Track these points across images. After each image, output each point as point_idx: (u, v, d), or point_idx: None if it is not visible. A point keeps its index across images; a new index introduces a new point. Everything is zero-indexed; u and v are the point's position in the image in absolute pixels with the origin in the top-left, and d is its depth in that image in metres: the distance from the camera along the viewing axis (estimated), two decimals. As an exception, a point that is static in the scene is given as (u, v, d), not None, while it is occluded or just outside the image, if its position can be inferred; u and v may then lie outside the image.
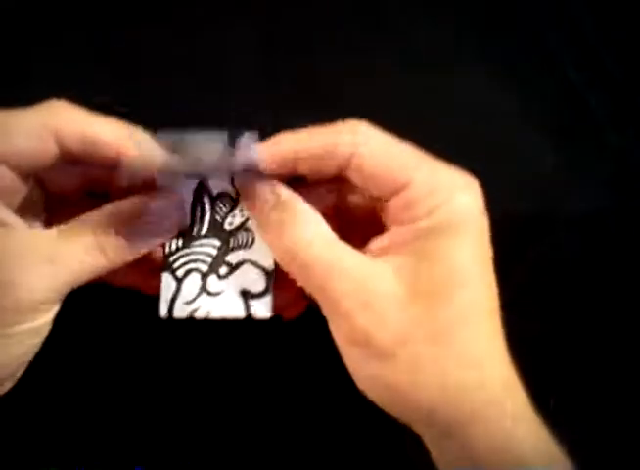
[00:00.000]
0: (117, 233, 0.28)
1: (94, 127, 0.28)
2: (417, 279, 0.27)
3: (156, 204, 0.29)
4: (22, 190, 0.29)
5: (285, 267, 0.29)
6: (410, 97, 0.41)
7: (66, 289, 0.27)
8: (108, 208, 0.28)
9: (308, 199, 0.29)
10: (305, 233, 0.28)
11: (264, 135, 0.29)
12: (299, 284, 0.29)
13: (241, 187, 0.30)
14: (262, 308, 0.30)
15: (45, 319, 0.27)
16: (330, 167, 0.29)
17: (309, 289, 0.28)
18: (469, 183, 0.29)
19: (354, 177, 0.29)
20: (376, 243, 0.29)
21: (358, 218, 0.32)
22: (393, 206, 0.28)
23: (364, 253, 0.29)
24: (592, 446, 0.35)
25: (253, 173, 0.29)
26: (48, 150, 0.27)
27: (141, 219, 0.28)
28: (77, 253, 0.27)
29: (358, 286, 0.27)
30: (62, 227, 0.28)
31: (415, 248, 0.27)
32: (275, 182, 0.29)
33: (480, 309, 0.27)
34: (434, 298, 0.27)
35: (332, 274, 0.27)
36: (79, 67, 0.40)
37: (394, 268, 0.27)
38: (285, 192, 0.29)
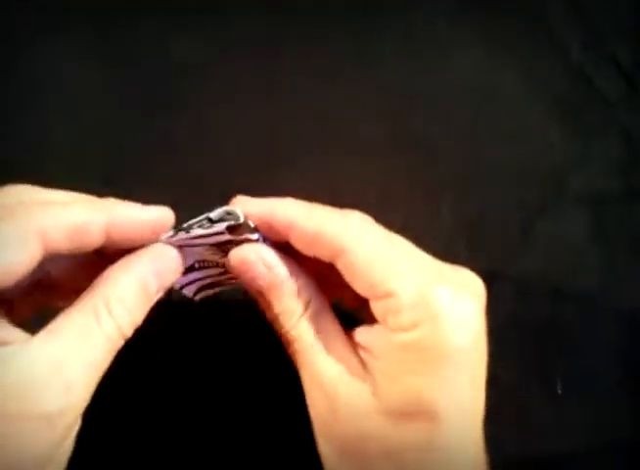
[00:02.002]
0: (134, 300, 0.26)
1: (75, 219, 0.25)
2: (386, 393, 0.26)
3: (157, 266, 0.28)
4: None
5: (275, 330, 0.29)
6: (410, 78, 0.40)
7: (93, 387, 0.25)
8: (118, 285, 0.26)
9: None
10: (291, 311, 0.28)
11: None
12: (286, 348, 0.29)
13: (234, 257, 0.28)
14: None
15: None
16: (321, 255, 0.27)
17: (291, 357, 0.28)
18: (463, 304, 0.26)
19: (342, 270, 0.27)
20: (361, 335, 0.28)
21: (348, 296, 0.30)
22: (378, 309, 0.27)
23: (348, 342, 0.28)
24: (598, 429, 0.36)
25: (248, 239, 0.28)
26: (35, 257, 0.25)
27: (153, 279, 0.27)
28: (100, 347, 0.25)
29: (329, 382, 0.27)
30: (71, 321, 0.25)
31: (391, 360, 0.26)
32: (269, 253, 0.28)
33: (444, 445, 0.26)
34: (398, 419, 0.26)
35: (308, 360, 0.27)
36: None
37: (371, 371, 0.27)
38: (275, 265, 0.28)
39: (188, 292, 0.31)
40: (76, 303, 0.26)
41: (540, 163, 0.40)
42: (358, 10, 0.41)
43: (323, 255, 0.27)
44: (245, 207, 0.28)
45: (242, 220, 0.27)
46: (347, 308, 0.30)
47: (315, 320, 0.28)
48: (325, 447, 0.28)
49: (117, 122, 0.40)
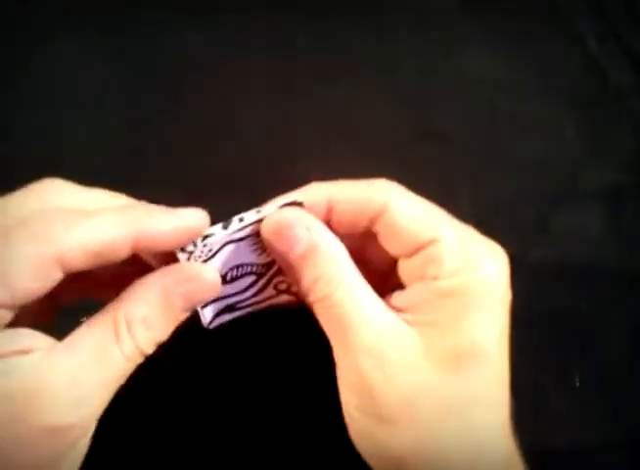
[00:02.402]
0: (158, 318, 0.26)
1: (100, 236, 0.24)
2: (434, 345, 0.26)
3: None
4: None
5: (306, 302, 0.28)
6: (426, 72, 0.40)
7: (105, 404, 0.25)
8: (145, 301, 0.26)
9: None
10: (331, 275, 0.27)
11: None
12: (318, 320, 0.28)
13: (271, 222, 0.28)
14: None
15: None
16: (363, 220, 0.28)
17: (326, 329, 0.28)
18: (497, 253, 0.28)
19: (383, 232, 0.28)
20: (396, 298, 0.28)
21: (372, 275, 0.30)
22: (417, 261, 0.28)
23: (388, 306, 0.28)
24: (615, 422, 0.36)
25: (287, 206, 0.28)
26: (53, 281, 0.24)
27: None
28: (116, 366, 0.25)
29: (376, 342, 0.26)
30: (90, 336, 0.25)
31: (436, 309, 0.27)
32: (309, 215, 0.28)
33: (492, 389, 0.26)
34: (450, 368, 0.26)
35: (352, 322, 0.27)
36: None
37: (413, 329, 0.27)
38: (317, 228, 0.28)
39: (206, 314, 0.30)
40: (99, 315, 0.25)
41: (555, 155, 0.40)
42: (373, 7, 0.42)
43: (366, 219, 0.28)
44: (294, 197, 0.28)
45: (299, 200, 0.28)
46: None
47: (354, 284, 0.27)
48: (360, 415, 0.27)
49: (129, 120, 0.40)
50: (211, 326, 0.30)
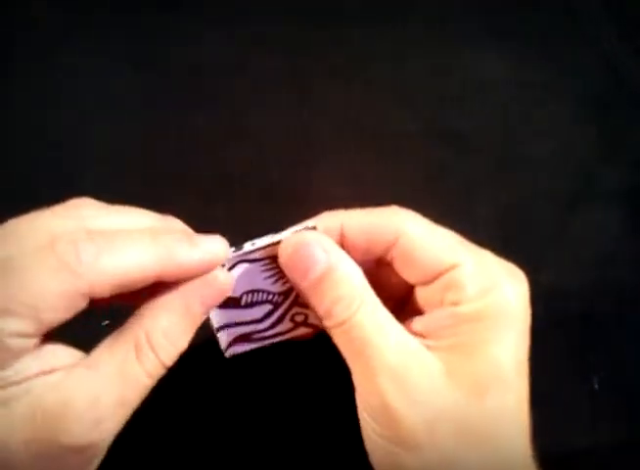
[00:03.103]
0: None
1: (128, 270, 0.24)
2: (457, 370, 0.26)
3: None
4: None
5: (324, 325, 0.28)
6: (441, 75, 0.40)
7: (123, 422, 0.25)
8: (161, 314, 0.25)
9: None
10: (352, 297, 0.27)
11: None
12: (337, 344, 0.27)
13: (290, 244, 0.27)
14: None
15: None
16: (376, 248, 0.28)
17: (345, 352, 0.27)
18: (517, 275, 0.28)
19: (398, 260, 0.28)
20: (415, 323, 0.28)
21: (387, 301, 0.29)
22: (436, 288, 0.27)
23: (407, 331, 0.27)
24: (633, 423, 0.36)
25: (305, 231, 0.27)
26: (78, 309, 0.24)
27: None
28: (137, 383, 0.25)
29: (398, 365, 0.26)
30: (111, 355, 0.24)
31: (458, 334, 0.26)
32: (326, 238, 0.27)
33: (515, 413, 0.26)
34: (473, 394, 0.25)
35: (373, 345, 0.26)
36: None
37: (435, 353, 0.26)
38: (335, 251, 0.27)
39: (223, 339, 0.30)
40: (120, 333, 0.25)
41: (572, 156, 0.40)
42: (388, 8, 0.42)
43: (378, 247, 0.28)
44: (306, 223, 0.28)
45: (312, 225, 0.27)
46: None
47: (375, 308, 0.27)
48: (380, 439, 0.26)
49: (145, 123, 0.40)
50: (228, 354, 0.30)
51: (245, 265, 0.28)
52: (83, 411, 0.23)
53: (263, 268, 0.28)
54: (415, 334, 0.27)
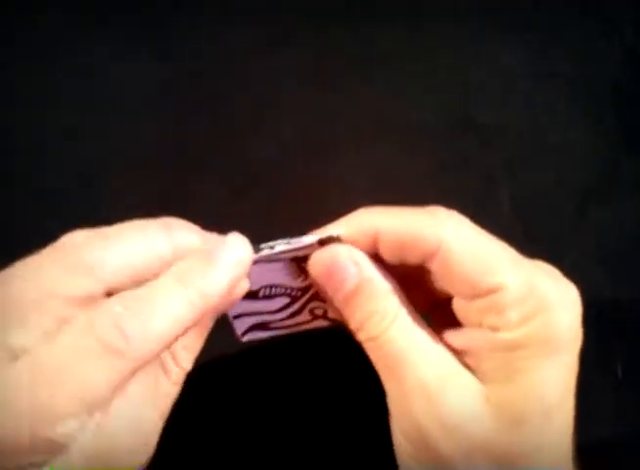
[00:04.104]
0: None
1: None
2: (496, 395, 0.24)
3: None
4: None
5: (358, 339, 0.27)
6: (463, 65, 0.40)
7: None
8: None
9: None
10: (384, 312, 0.26)
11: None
12: (370, 358, 0.26)
13: (320, 258, 0.27)
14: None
15: None
16: (412, 256, 0.26)
17: (378, 368, 0.26)
18: (568, 294, 0.25)
19: (438, 272, 0.25)
20: (455, 339, 0.26)
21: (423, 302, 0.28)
22: (476, 307, 0.25)
23: (445, 346, 0.26)
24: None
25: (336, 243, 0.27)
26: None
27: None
28: (170, 397, 0.25)
29: (433, 386, 0.24)
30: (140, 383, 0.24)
31: (498, 359, 0.24)
32: (357, 251, 0.26)
33: (557, 442, 0.25)
34: (512, 423, 0.24)
35: (406, 363, 0.25)
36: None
37: (474, 376, 0.25)
38: (366, 265, 0.26)
39: (239, 326, 0.30)
40: None
41: (593, 146, 0.39)
42: (404, 3, 0.41)
43: (414, 256, 0.26)
44: (331, 231, 0.27)
45: (337, 234, 0.26)
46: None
47: (410, 322, 0.26)
48: (414, 460, 0.25)
49: (171, 115, 0.39)
50: (245, 339, 0.30)
51: (263, 264, 0.27)
52: (130, 438, 0.23)
53: (283, 266, 0.28)
54: (453, 350, 0.26)
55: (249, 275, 0.26)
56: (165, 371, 0.24)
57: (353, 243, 0.26)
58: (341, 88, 0.40)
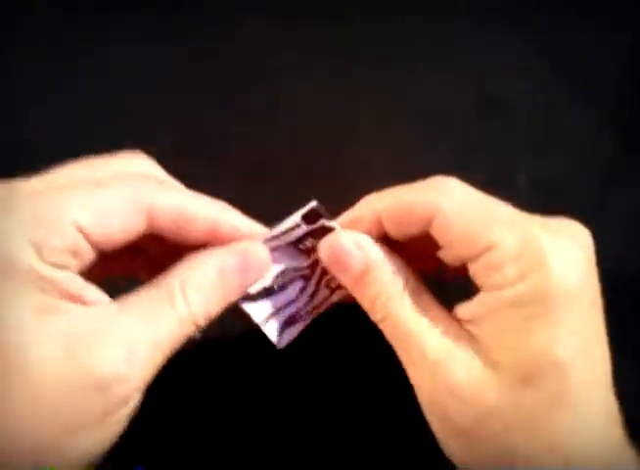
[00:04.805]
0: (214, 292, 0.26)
1: (191, 206, 0.26)
2: (502, 360, 0.24)
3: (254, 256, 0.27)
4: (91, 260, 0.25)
5: (372, 319, 0.27)
6: (485, 44, 0.40)
7: (155, 366, 0.25)
8: (202, 271, 0.26)
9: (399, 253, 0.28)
10: (390, 291, 0.26)
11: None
12: (386, 338, 0.27)
13: (326, 245, 0.28)
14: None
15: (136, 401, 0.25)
16: (412, 226, 0.26)
17: (393, 343, 0.27)
18: (571, 242, 0.25)
19: (438, 237, 0.26)
20: (462, 309, 0.26)
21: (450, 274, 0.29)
22: (479, 268, 0.25)
23: (452, 319, 0.26)
24: None
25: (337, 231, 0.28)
26: (137, 229, 0.25)
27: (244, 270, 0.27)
28: (169, 328, 0.25)
29: (439, 361, 0.25)
30: (145, 297, 0.25)
31: (501, 320, 0.24)
32: (361, 235, 0.27)
33: (576, 396, 0.24)
34: (520, 386, 0.24)
35: (413, 341, 0.26)
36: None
37: (480, 342, 0.25)
38: (370, 247, 0.27)
39: (270, 332, 0.29)
40: (154, 281, 0.25)
41: (614, 125, 0.39)
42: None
43: (416, 225, 0.26)
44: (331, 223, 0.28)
45: (314, 204, 0.27)
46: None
47: (416, 299, 0.26)
48: (441, 431, 0.26)
49: (184, 104, 0.39)
50: (282, 345, 0.30)
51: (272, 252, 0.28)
52: (115, 344, 0.23)
53: (283, 252, 0.28)
54: (462, 321, 0.26)
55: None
56: (172, 300, 0.25)
57: (358, 228, 0.28)
58: (357, 73, 0.40)
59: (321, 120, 0.39)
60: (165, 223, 0.25)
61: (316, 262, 0.29)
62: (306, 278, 0.30)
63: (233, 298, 0.27)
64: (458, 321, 0.26)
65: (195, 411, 0.34)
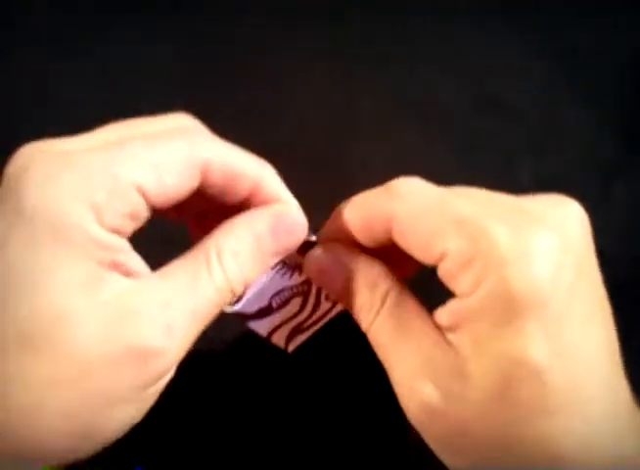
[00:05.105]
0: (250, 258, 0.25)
1: (240, 162, 0.25)
2: (478, 368, 0.23)
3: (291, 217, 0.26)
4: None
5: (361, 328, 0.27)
6: (485, 43, 0.40)
7: (192, 336, 0.24)
8: (239, 235, 0.25)
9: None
10: (371, 303, 0.26)
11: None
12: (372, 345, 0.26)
13: (309, 263, 0.27)
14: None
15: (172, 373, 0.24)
16: (378, 234, 0.26)
17: (377, 353, 0.26)
18: (543, 229, 0.23)
19: (399, 244, 0.25)
20: (440, 316, 0.25)
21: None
22: (441, 276, 0.24)
23: (433, 327, 0.25)
24: None
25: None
26: (192, 185, 0.24)
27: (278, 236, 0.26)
28: (207, 296, 0.24)
29: (412, 372, 0.24)
30: (183, 266, 0.24)
31: (474, 329, 0.23)
32: (341, 251, 0.27)
33: (562, 397, 0.22)
34: (497, 395, 0.22)
35: (390, 354, 0.25)
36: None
37: (458, 350, 0.23)
38: (350, 260, 0.27)
39: (278, 341, 0.29)
40: (192, 250, 0.25)
41: (615, 123, 0.39)
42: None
43: (381, 233, 0.25)
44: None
45: (313, 239, 0.27)
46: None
47: (397, 311, 0.25)
48: (426, 440, 0.25)
49: (184, 104, 0.38)
50: (291, 349, 0.30)
51: (259, 278, 0.27)
52: (155, 315, 0.22)
53: (275, 273, 0.28)
54: (442, 327, 0.24)
55: (252, 297, 0.27)
56: (209, 267, 0.24)
57: (338, 238, 0.27)
58: (357, 73, 0.40)
59: (321, 120, 0.39)
60: (218, 179, 0.24)
61: (309, 279, 0.29)
62: (305, 294, 0.29)
63: (270, 262, 0.26)
64: (439, 328, 0.25)
65: (195, 411, 0.34)
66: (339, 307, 0.30)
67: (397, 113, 0.39)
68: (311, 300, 0.29)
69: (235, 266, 0.24)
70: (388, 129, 0.38)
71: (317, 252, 0.27)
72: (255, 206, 0.26)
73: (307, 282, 0.29)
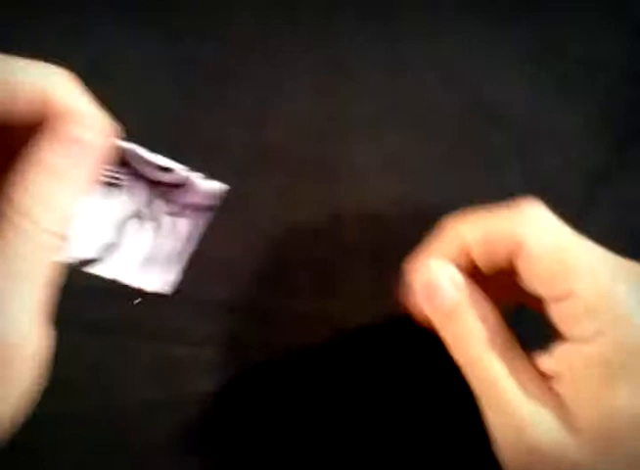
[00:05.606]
0: None
1: (12, 70, 0.23)
2: (586, 424, 0.23)
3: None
4: None
5: (452, 355, 0.27)
6: (474, 46, 0.41)
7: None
8: None
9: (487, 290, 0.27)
10: (479, 336, 0.25)
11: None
12: (465, 376, 0.26)
13: (421, 277, 0.27)
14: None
15: None
16: (500, 257, 0.26)
17: (474, 383, 0.26)
18: None
19: (521, 270, 0.25)
20: (545, 362, 0.25)
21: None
22: (558, 314, 0.24)
23: (535, 371, 0.25)
24: None
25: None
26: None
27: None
28: (30, 257, 0.21)
29: (519, 417, 0.24)
30: None
31: (585, 380, 0.23)
32: (456, 274, 0.27)
33: None
34: (602, 452, 0.23)
35: (497, 392, 0.24)
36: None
37: (563, 403, 0.23)
38: (464, 286, 0.26)
39: (146, 282, 0.26)
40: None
41: (603, 128, 0.39)
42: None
43: (501, 256, 0.25)
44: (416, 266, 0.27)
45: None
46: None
47: (500, 345, 0.25)
48: None
49: (180, 96, 0.40)
50: (169, 289, 0.26)
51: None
52: None
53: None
54: (546, 375, 0.24)
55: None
56: (11, 228, 0.20)
57: (446, 257, 0.27)
58: (356, 74, 0.40)
59: (319, 120, 0.39)
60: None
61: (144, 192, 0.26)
62: (139, 217, 0.26)
63: (81, 194, 0.22)
64: (541, 373, 0.25)
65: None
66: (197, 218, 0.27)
67: (393, 114, 0.39)
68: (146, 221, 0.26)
69: (43, 212, 0.21)
70: (384, 131, 0.39)
71: (428, 270, 0.27)
72: (47, 124, 0.22)
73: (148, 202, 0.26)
